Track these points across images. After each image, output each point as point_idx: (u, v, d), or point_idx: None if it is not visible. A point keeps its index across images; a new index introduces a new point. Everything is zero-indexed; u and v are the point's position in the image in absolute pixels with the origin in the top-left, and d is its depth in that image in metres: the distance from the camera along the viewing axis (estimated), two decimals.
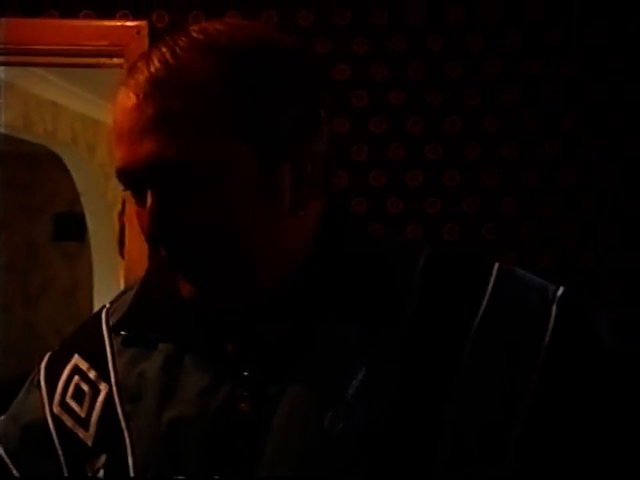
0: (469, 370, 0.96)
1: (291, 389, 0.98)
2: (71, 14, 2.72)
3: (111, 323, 1.11)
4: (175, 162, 0.94)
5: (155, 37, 2.63)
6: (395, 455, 0.95)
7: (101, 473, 1.05)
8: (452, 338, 0.98)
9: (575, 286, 1.06)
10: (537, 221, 2.70)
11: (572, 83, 2.68)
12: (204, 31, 0.98)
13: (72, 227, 7.94)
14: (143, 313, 1.09)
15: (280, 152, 0.97)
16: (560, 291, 1.01)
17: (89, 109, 5.84)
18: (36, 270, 8.37)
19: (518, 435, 0.95)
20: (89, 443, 1.07)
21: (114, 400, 1.06)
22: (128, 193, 1.00)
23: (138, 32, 2.66)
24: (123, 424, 1.05)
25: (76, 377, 1.10)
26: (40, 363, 1.16)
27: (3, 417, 1.16)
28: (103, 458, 1.06)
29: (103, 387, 1.08)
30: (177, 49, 0.96)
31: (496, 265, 1.03)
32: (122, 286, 3.72)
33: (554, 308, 0.99)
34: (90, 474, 1.06)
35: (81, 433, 1.08)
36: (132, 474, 1.03)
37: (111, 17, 2.71)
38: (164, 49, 0.96)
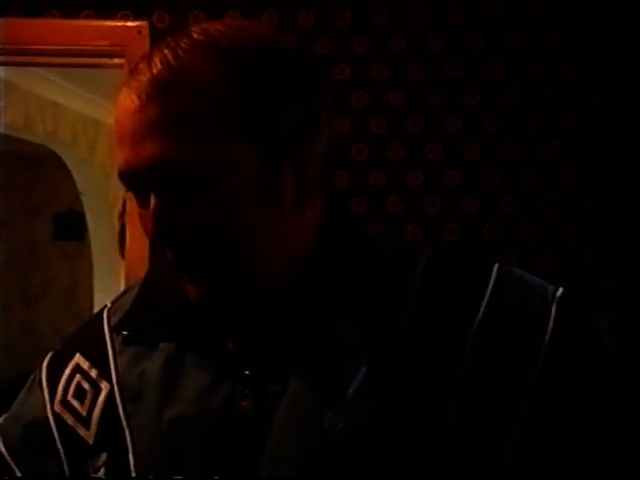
0: (469, 370, 0.96)
1: (291, 388, 0.98)
2: (72, 14, 2.72)
3: (113, 323, 1.11)
4: (177, 163, 0.94)
5: (156, 37, 2.63)
6: (395, 455, 0.95)
7: (102, 472, 1.06)
8: (452, 338, 0.98)
9: (575, 286, 1.06)
10: (537, 221, 2.70)
11: (572, 83, 2.68)
12: (205, 32, 0.98)
13: (72, 227, 7.93)
14: (144, 313, 1.09)
15: (281, 152, 0.98)
16: (560, 291, 1.01)
17: (90, 109, 5.84)
18: (36, 270, 8.35)
19: (518, 435, 0.95)
20: (90, 442, 1.08)
21: (115, 399, 1.07)
22: (129, 194, 1.00)
23: (139, 32, 2.66)
24: (124, 423, 1.05)
25: (77, 376, 1.11)
26: (42, 362, 1.16)
27: (5, 416, 1.17)
28: (104, 456, 1.06)
29: (104, 386, 1.08)
30: (179, 50, 0.96)
31: (496, 266, 1.03)
32: (122, 286, 3.72)
33: (554, 308, 0.99)
34: (91, 472, 1.06)
35: (82, 432, 1.08)
36: (133, 473, 1.03)
37: (112, 17, 2.71)
38: (166, 50, 0.97)
